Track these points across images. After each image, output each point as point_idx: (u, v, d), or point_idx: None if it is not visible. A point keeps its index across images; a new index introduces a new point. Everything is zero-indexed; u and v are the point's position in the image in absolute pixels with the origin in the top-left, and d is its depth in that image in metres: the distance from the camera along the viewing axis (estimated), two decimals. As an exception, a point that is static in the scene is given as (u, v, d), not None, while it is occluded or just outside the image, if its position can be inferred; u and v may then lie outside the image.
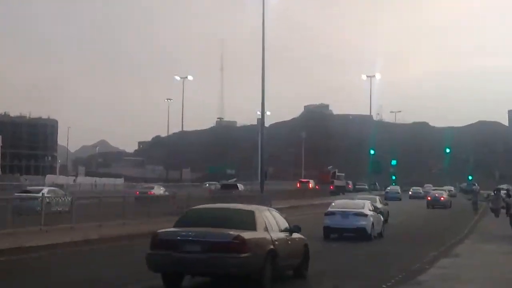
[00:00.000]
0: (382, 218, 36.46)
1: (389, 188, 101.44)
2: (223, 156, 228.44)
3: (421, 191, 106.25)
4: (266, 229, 16.89)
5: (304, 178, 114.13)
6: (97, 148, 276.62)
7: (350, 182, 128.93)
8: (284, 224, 18.37)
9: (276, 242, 16.85)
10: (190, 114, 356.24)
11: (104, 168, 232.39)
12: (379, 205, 42.64)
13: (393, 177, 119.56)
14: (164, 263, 15.82)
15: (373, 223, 33.58)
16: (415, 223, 48.33)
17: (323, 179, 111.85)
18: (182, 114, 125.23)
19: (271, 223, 17.43)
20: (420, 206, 74.50)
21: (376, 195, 58.22)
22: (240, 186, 74.69)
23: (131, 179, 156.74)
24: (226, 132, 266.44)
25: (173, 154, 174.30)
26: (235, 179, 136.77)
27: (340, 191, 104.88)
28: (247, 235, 15.76)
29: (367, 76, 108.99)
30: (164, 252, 15.71)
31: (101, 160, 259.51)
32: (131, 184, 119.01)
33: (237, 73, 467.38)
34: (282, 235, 17.72)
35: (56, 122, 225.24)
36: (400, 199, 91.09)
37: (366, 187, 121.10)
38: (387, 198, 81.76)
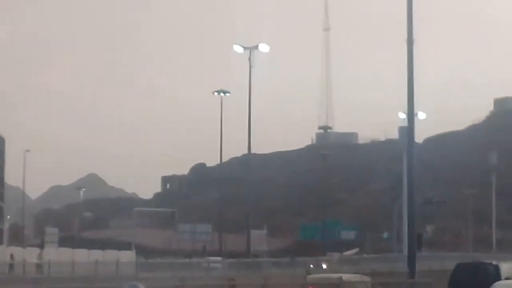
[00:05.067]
0: None
1: None
2: (334, 202, 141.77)
3: None
4: None
5: None
6: (81, 191, 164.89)
7: None
8: None
9: None
10: (265, 123, 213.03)
11: (96, 229, 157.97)
12: None
13: None
14: None
15: None
16: None
17: None
18: (249, 122, 75.29)
19: None
20: None
21: None
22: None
23: (149, 251, 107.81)
24: (343, 155, 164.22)
25: (232, 199, 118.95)
26: (357, 250, 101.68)
27: None
28: None
29: None
30: None
31: (90, 214, 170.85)
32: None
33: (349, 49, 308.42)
34: None
35: (3, 140, 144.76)
36: None
37: None
38: None
